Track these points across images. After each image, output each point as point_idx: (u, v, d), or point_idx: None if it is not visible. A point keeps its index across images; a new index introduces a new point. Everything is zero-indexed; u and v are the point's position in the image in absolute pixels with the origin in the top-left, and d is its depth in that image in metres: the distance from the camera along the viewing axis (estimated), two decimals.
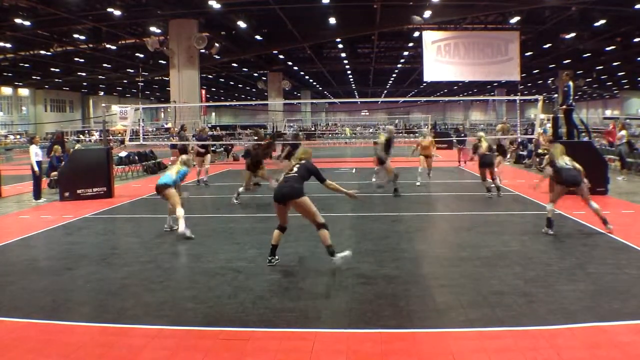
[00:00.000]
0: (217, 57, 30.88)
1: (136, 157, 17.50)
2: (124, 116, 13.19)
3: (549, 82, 49.67)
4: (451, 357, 3.71)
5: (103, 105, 13.88)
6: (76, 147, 15.86)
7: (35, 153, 12.12)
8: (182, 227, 7.60)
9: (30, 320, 4.61)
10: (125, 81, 50.89)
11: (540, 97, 12.29)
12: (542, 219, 8.92)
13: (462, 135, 31.94)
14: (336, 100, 66.75)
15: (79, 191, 11.82)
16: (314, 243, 6.72)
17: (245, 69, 44.90)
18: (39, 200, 11.89)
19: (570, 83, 11.87)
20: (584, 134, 12.70)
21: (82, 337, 4.23)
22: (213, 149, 21.89)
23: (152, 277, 5.85)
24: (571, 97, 11.83)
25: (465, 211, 9.93)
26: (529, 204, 10.43)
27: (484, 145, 11.00)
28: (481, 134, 12.06)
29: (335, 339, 4.08)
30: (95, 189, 11.95)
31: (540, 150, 16.51)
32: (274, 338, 4.13)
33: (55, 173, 13.38)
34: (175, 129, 21.08)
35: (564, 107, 11.99)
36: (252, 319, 4.52)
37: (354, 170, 15.70)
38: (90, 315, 4.76)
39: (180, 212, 7.67)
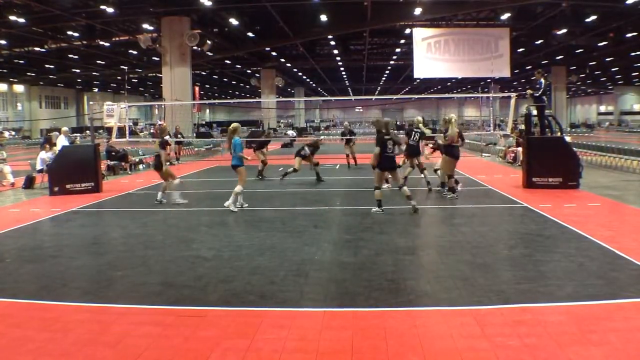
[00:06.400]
0: (210, 54, 31.26)
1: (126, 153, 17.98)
2: (110, 114, 13.61)
3: (533, 78, 50.02)
4: (383, 333, 4.15)
5: (91, 102, 14.32)
6: (77, 142, 16.61)
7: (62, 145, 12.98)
8: (231, 200, 9.61)
9: (14, 300, 5.11)
10: (119, 78, 51.18)
11: (514, 95, 12.71)
12: (507, 212, 9.40)
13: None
14: (331, 98, 67.09)
15: (67, 186, 12.25)
16: (285, 234, 7.13)
17: (238, 66, 45.20)
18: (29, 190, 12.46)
19: (542, 80, 12.29)
20: (556, 130, 13.06)
21: (59, 313, 4.72)
22: (209, 146, 22.46)
23: (128, 264, 6.31)
24: (540, 93, 12.22)
25: (432, 205, 10.37)
26: (496, 198, 10.86)
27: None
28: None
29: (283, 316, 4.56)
30: (83, 184, 12.38)
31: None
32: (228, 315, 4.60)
33: None
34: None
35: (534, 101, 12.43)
36: (212, 298, 5.02)
37: (337, 167, 16.14)
38: (69, 296, 5.20)
39: (237, 188, 9.57)
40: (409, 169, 12.14)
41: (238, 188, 9.61)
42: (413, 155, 11.93)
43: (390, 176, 11.57)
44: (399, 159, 12.07)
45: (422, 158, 12.08)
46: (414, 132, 11.92)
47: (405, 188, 9.40)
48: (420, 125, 12.20)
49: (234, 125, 9.92)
